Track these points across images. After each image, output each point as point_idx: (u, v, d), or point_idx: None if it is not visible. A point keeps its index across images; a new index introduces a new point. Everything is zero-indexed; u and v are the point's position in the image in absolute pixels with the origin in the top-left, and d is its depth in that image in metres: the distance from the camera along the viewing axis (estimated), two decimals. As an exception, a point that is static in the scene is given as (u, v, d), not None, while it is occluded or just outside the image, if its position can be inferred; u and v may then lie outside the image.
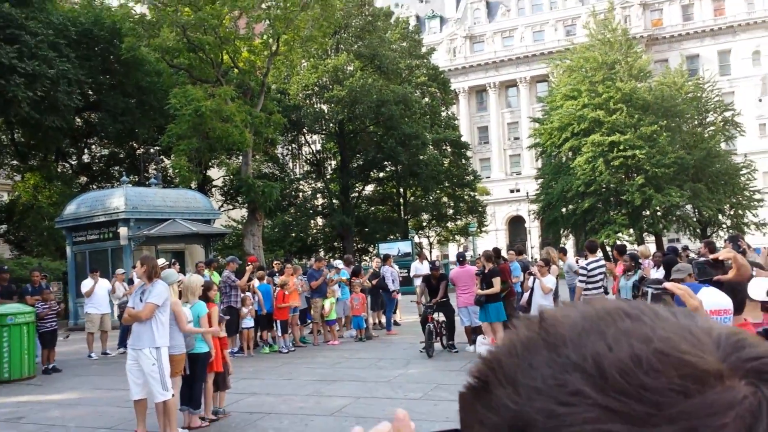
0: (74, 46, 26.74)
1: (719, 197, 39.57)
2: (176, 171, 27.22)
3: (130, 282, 14.81)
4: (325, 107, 39.60)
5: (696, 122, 42.23)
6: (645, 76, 41.09)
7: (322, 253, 37.82)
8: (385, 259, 17.48)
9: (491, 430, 0.50)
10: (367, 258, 40.56)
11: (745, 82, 60.19)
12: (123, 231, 19.66)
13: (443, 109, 44.83)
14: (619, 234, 37.20)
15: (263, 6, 27.32)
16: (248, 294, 13.55)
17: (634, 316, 0.50)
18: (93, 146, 34.83)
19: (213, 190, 36.78)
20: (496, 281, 11.65)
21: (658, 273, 11.39)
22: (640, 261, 11.91)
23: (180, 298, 8.23)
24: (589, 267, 11.13)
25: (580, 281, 11.20)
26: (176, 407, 7.56)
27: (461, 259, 13.23)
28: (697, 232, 40.84)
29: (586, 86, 39.38)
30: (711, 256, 3.55)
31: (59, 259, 25.01)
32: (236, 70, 28.32)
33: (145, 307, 7.30)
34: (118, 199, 20.45)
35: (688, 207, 39.80)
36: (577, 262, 14.47)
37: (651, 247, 25.35)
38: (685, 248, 22.70)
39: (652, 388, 0.44)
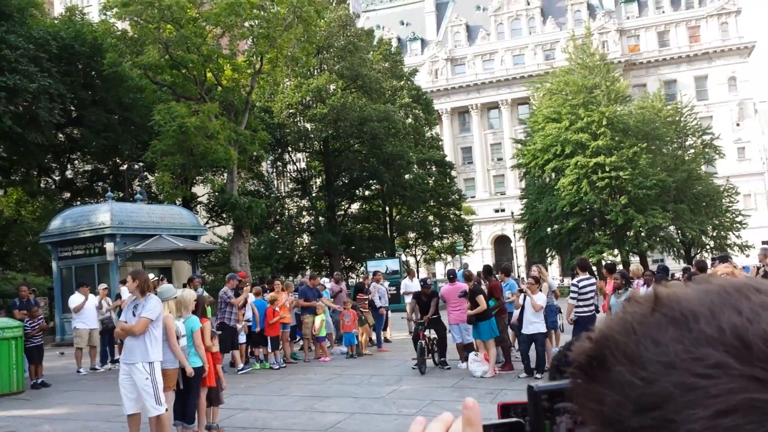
0: (55, 60, 26.58)
1: (701, 218, 40.16)
2: (160, 187, 27.03)
3: (117, 297, 14.66)
4: (309, 125, 39.71)
5: (676, 145, 42.94)
6: (624, 100, 41.78)
7: (309, 272, 37.67)
8: (374, 275, 17.45)
9: (612, 407, 0.49)
10: (353, 276, 40.50)
11: (722, 107, 61.44)
12: (109, 246, 19.44)
13: (427, 129, 45.16)
14: (604, 254, 37.58)
15: (246, 24, 27.43)
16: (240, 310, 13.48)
17: (765, 290, 0.50)
18: (76, 162, 34.52)
19: (198, 206, 36.58)
20: (480, 299, 11.66)
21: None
22: (632, 279, 12.01)
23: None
24: (580, 285, 11.19)
25: (572, 298, 11.25)
26: (169, 422, 7.44)
27: (451, 277, 13.22)
28: (681, 252, 41.36)
29: (567, 109, 39.93)
30: (710, 272, 3.58)
31: (44, 274, 24.66)
32: (220, 88, 28.32)
33: (139, 322, 7.21)
34: (103, 214, 20.25)
35: (672, 228, 40.33)
36: (562, 281, 14.53)
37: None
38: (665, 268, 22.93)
39: None
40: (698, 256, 39.19)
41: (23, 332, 12.09)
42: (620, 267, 22.81)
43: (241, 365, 13.23)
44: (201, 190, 35.93)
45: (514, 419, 0.71)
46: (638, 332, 0.51)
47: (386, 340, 17.01)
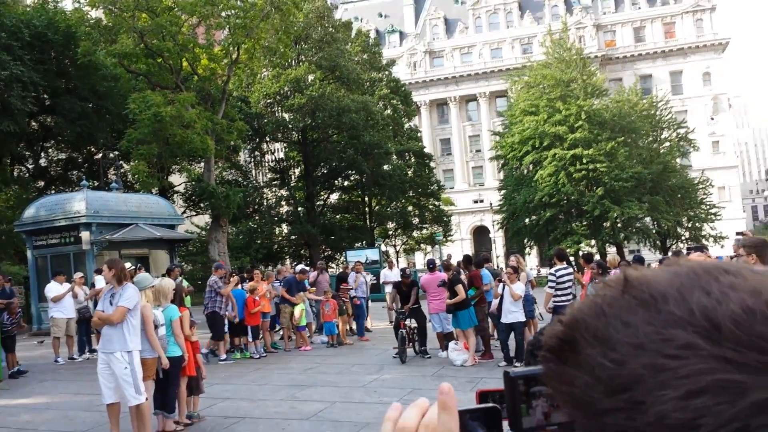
0: (27, 48, 26.09)
1: (677, 210, 40.77)
2: (135, 176, 26.72)
3: (92, 286, 14.49)
4: (287, 116, 39.50)
5: (651, 138, 43.45)
6: (601, 94, 42.19)
7: (288, 262, 37.58)
8: (354, 265, 17.46)
9: (583, 389, 0.50)
10: (333, 265, 40.46)
11: (697, 101, 62.32)
12: (85, 235, 19.17)
13: (406, 120, 45.17)
14: (581, 244, 37.99)
15: (223, 14, 27.16)
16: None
17: (733, 272, 0.50)
18: (50, 150, 33.98)
19: (175, 196, 36.23)
20: (459, 288, 11.72)
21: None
22: (607, 269, 12.15)
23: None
24: (557, 274, 11.32)
25: (550, 287, 11.37)
26: (150, 411, 7.38)
27: (431, 266, 13.27)
28: (657, 243, 41.96)
29: (544, 102, 40.23)
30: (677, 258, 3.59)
31: (19, 263, 24.30)
32: (196, 77, 28.01)
33: (117, 311, 7.13)
34: (78, 203, 19.95)
35: (648, 219, 40.88)
36: (539, 271, 14.68)
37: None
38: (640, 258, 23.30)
39: None
40: (674, 247, 39.82)
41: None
42: (597, 257, 23.12)
43: (223, 355, 13.19)
44: (177, 180, 35.59)
45: (489, 404, 0.72)
46: (608, 314, 0.51)
47: (367, 330, 17.03)
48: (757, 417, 0.43)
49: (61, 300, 13.68)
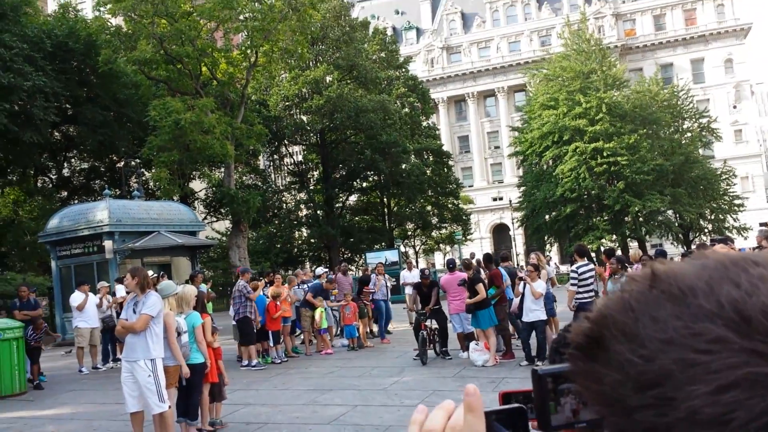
0: (50, 58, 26.51)
1: (699, 202, 40.21)
2: (157, 183, 26.98)
3: (113, 295, 14.68)
4: (305, 118, 39.62)
5: (672, 129, 42.89)
6: (621, 85, 41.69)
7: (308, 266, 37.71)
8: (376, 268, 17.52)
9: (612, 386, 0.49)
10: (353, 267, 40.51)
11: (719, 89, 61.31)
12: (108, 244, 19.42)
13: (423, 119, 45.07)
14: (603, 240, 37.60)
15: (240, 18, 27.32)
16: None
17: (762, 263, 0.50)
18: (72, 160, 34.49)
19: (196, 202, 36.56)
20: (479, 287, 11.67)
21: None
22: (626, 264, 12.03)
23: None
24: (579, 270, 11.20)
25: (572, 284, 11.26)
26: (173, 419, 7.45)
27: (451, 266, 13.23)
28: (680, 237, 41.39)
29: (564, 95, 39.85)
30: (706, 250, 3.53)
31: (43, 274, 24.66)
32: (215, 82, 28.25)
33: (140, 319, 7.21)
34: (101, 212, 20.22)
35: (670, 212, 40.35)
36: (558, 269, 14.57)
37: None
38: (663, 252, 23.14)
39: None
40: (697, 240, 39.25)
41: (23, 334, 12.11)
42: (619, 252, 22.88)
43: (255, 360, 13.19)
44: (198, 186, 35.89)
45: (515, 405, 0.72)
46: (636, 310, 0.50)
47: (387, 332, 17.06)
48: None
49: (85, 309, 13.86)
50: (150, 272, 12.09)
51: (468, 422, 0.62)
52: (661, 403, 0.46)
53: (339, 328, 16.17)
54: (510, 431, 0.69)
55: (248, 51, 28.05)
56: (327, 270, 18.02)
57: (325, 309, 14.94)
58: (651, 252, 24.57)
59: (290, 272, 16.36)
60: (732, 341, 0.45)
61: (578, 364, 0.54)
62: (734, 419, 0.43)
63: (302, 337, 15.15)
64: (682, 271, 0.51)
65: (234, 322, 13.63)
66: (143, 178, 31.64)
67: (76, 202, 30.77)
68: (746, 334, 0.45)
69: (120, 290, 13.72)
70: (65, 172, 34.24)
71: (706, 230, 41.39)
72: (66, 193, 33.48)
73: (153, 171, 27.80)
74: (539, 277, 11.67)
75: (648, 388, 0.47)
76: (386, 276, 17.33)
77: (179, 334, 7.73)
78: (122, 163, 31.74)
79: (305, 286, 15.51)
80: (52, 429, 8.96)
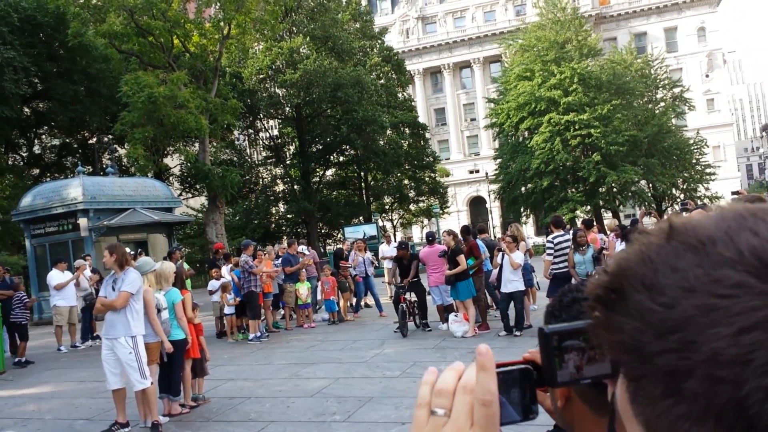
0: (17, 33, 25.88)
1: (672, 172, 40.72)
2: (133, 160, 26.64)
3: (94, 271, 14.56)
4: (280, 91, 39.22)
5: (646, 99, 43.21)
6: (595, 54, 41.81)
7: (285, 240, 37.62)
8: (353, 244, 17.55)
9: (632, 334, 0.51)
10: (330, 242, 40.53)
11: (692, 58, 61.78)
12: (83, 222, 19.20)
13: (399, 90, 44.85)
14: (577, 211, 38.00)
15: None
16: (229, 280, 13.48)
17: None
18: (43, 136, 33.85)
19: (171, 178, 36.17)
20: (461, 259, 11.77)
21: (621, 245, 11.72)
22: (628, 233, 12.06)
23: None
24: (555, 241, 11.33)
25: (548, 254, 11.40)
26: (156, 395, 7.47)
27: (430, 239, 13.30)
28: (653, 206, 41.98)
29: (539, 66, 39.88)
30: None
31: (17, 253, 24.34)
32: (188, 55, 27.77)
33: (120, 296, 7.19)
34: (75, 189, 19.94)
35: (643, 182, 40.83)
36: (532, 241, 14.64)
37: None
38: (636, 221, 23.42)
39: None
40: (669, 210, 39.83)
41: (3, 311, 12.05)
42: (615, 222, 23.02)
43: (258, 333, 13.20)
44: (172, 162, 35.46)
45: (522, 366, 0.75)
46: (655, 261, 0.52)
47: (367, 305, 17.17)
48: None
49: (64, 288, 13.75)
50: (126, 249, 12.03)
51: (480, 380, 0.63)
52: (682, 347, 0.47)
53: (316, 303, 16.23)
54: (518, 388, 0.72)
55: (221, 23, 27.56)
56: (307, 247, 18.00)
57: (309, 284, 14.97)
58: (625, 222, 24.83)
59: (268, 247, 16.27)
60: (752, 285, 0.46)
61: (597, 315, 0.55)
62: (755, 359, 0.45)
63: (282, 312, 15.18)
64: (700, 223, 0.53)
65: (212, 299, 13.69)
66: (116, 154, 31.18)
67: (48, 179, 30.30)
68: (766, 279, 0.46)
69: (56, 276, 13.67)
70: (36, 149, 33.63)
71: (678, 200, 42.01)
72: (38, 171, 32.96)
73: (127, 147, 27.40)
74: (517, 248, 11.79)
75: (669, 333, 0.48)
76: (369, 254, 17.28)
77: (159, 311, 7.73)
78: (94, 139, 31.26)
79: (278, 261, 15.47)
80: (33, 408, 8.94)
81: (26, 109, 30.32)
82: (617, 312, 0.53)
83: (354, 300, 16.34)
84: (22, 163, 32.76)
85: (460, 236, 13.19)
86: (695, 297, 0.48)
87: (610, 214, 40.67)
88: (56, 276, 13.89)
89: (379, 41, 44.00)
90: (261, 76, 38.48)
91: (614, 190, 39.49)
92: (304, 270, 15.04)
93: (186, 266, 13.50)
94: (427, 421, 0.65)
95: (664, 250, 0.52)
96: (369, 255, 17.13)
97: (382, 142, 38.81)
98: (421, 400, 0.66)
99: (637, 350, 0.50)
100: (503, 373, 0.71)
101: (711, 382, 0.46)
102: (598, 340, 0.56)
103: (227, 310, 13.51)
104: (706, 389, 0.46)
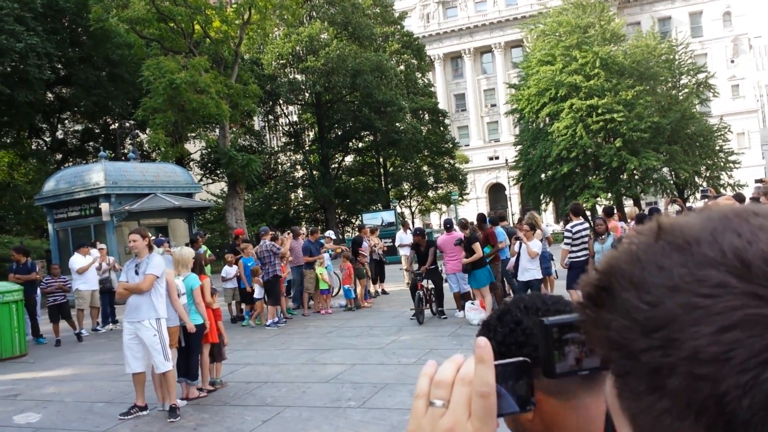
0: (40, 19, 26.11)
1: (695, 159, 40.16)
2: (155, 145, 26.85)
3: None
4: (300, 77, 39.22)
5: (670, 85, 42.56)
6: (618, 39, 41.20)
7: (304, 227, 37.85)
8: (360, 231, 17.69)
9: (619, 332, 0.52)
10: (349, 229, 40.62)
11: (717, 43, 60.65)
12: (105, 207, 19.41)
13: (419, 76, 44.61)
14: (598, 198, 37.66)
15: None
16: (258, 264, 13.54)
17: (763, 214, 0.53)
18: (66, 122, 34.22)
19: (191, 163, 36.41)
20: (476, 247, 11.75)
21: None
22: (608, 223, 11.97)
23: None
24: (573, 230, 11.26)
25: (566, 243, 11.33)
26: (174, 379, 7.57)
27: (448, 226, 13.28)
28: (675, 194, 41.48)
29: (560, 51, 39.41)
30: (710, 203, 3.60)
31: (40, 237, 24.69)
32: (208, 41, 27.87)
33: (146, 279, 7.27)
34: (97, 174, 20.14)
35: (665, 170, 40.32)
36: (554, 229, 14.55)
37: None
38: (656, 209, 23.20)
39: None
40: (691, 197, 39.33)
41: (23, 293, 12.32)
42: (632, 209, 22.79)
43: (276, 318, 13.28)
44: (193, 147, 35.69)
45: (520, 358, 0.77)
46: (643, 260, 0.53)
47: (384, 292, 17.26)
48: None
49: (86, 272, 13.95)
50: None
51: (479, 372, 0.66)
52: (666, 344, 0.49)
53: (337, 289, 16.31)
54: (514, 381, 0.75)
55: (241, 8, 27.59)
56: (332, 232, 18.15)
57: (327, 269, 15.04)
58: (647, 210, 24.60)
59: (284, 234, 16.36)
60: (733, 286, 0.48)
61: (587, 312, 0.57)
62: (735, 356, 0.46)
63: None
64: (687, 223, 0.54)
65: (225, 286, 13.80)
66: (138, 139, 31.43)
67: (70, 164, 30.66)
68: (747, 279, 0.48)
69: (78, 260, 13.85)
70: (59, 134, 34.04)
71: (700, 188, 41.43)
72: (60, 156, 33.35)
73: (148, 132, 27.62)
74: (534, 237, 11.74)
75: (654, 331, 0.50)
76: (371, 240, 17.35)
77: (178, 296, 7.82)
78: (116, 124, 31.52)
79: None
80: (53, 390, 9.10)
81: (49, 95, 30.65)
82: (606, 309, 0.54)
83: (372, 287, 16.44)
84: (45, 148, 33.16)
85: (476, 224, 13.19)
86: (679, 296, 0.49)
87: (631, 202, 40.27)
88: (78, 260, 14.08)
89: (399, 26, 43.71)
90: (282, 61, 38.48)
91: (636, 177, 39.03)
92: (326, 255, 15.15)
93: (207, 252, 13.58)
94: (426, 411, 0.68)
95: (651, 249, 0.54)
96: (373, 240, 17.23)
97: (400, 125, 38.69)
98: (420, 391, 0.69)
99: (624, 347, 0.52)
100: (501, 365, 0.73)
101: (692, 379, 0.48)
102: (588, 336, 0.58)
103: (257, 293, 13.52)
104: (688, 386, 0.48)
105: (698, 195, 39.00)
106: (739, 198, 9.43)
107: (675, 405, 0.49)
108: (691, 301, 0.49)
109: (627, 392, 0.53)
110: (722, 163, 41.84)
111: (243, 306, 14.36)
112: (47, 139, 33.58)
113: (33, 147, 31.94)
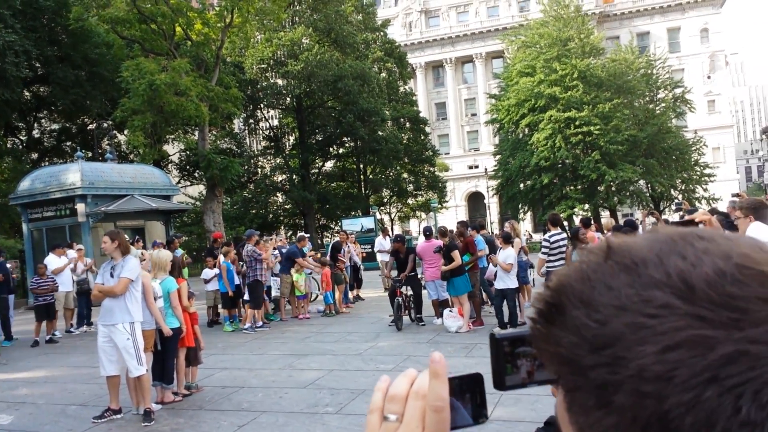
0: (19, 16, 25.73)
1: (671, 172, 40.70)
2: (134, 147, 26.57)
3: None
4: (281, 81, 39.11)
5: (647, 98, 43.15)
6: (598, 52, 41.72)
7: (283, 232, 37.71)
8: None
9: (569, 348, 0.54)
10: (328, 234, 40.51)
11: (694, 59, 61.71)
12: (80, 207, 19.17)
13: (401, 84, 44.75)
14: (575, 209, 38.00)
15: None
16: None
17: (707, 238, 0.55)
18: (43, 120, 33.75)
19: (169, 165, 36.11)
20: (455, 254, 11.79)
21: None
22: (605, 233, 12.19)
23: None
24: (551, 240, 11.35)
25: (543, 253, 11.42)
26: (149, 383, 7.49)
27: (427, 234, 13.31)
28: (650, 207, 41.97)
29: (541, 63, 39.82)
30: (687, 217, 3.67)
31: (14, 236, 24.30)
32: (189, 43, 27.68)
33: (120, 282, 7.18)
34: (73, 174, 19.91)
35: (641, 182, 40.82)
36: (530, 237, 14.70)
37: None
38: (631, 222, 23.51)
39: (738, 297, 0.49)
40: (667, 210, 39.84)
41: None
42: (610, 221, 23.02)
43: (260, 323, 13.25)
44: (171, 149, 35.40)
45: (474, 372, 0.77)
46: (593, 279, 0.55)
47: (360, 298, 17.24)
48: (725, 368, 0.47)
49: (61, 273, 13.76)
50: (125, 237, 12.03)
51: (432, 387, 0.65)
52: (613, 361, 0.50)
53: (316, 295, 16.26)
54: (468, 395, 0.74)
55: (224, 12, 27.46)
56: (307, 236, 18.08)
57: (306, 274, 14.99)
58: (622, 221, 24.89)
59: (264, 238, 16.23)
60: (677, 307, 0.50)
61: (538, 328, 0.58)
62: (678, 375, 0.48)
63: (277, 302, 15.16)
64: (635, 244, 0.56)
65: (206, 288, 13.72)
66: (116, 140, 31.09)
67: (46, 164, 30.23)
68: (690, 301, 0.50)
69: (53, 261, 13.69)
70: (35, 133, 33.55)
71: (675, 200, 41.92)
72: (36, 155, 32.88)
73: (126, 133, 27.35)
74: (511, 246, 11.80)
75: (601, 349, 0.51)
76: (352, 246, 17.37)
77: (154, 299, 7.73)
78: (94, 124, 31.16)
79: (276, 252, 15.47)
80: (26, 392, 8.96)
81: (26, 93, 30.22)
82: (556, 325, 0.56)
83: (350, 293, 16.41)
84: (21, 146, 32.68)
85: (458, 230, 13.22)
86: (626, 315, 0.51)
87: (607, 213, 40.70)
88: (53, 261, 13.89)
89: (382, 34, 43.84)
90: (262, 65, 38.37)
91: (612, 189, 39.48)
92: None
93: (184, 254, 13.47)
94: (380, 426, 0.68)
95: (601, 268, 0.55)
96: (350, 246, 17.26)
97: (381, 133, 38.75)
98: (374, 405, 0.69)
99: (573, 363, 0.54)
100: (456, 379, 0.73)
101: (637, 396, 0.49)
102: (539, 351, 0.59)
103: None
104: (633, 402, 0.49)
105: (673, 207, 39.52)
106: (714, 213, 9.57)
107: (621, 421, 0.50)
108: (637, 321, 0.50)
109: (576, 407, 0.55)
110: (697, 177, 42.44)
111: (220, 310, 14.25)
112: (23, 138, 33.09)
113: (8, 145, 31.44)
